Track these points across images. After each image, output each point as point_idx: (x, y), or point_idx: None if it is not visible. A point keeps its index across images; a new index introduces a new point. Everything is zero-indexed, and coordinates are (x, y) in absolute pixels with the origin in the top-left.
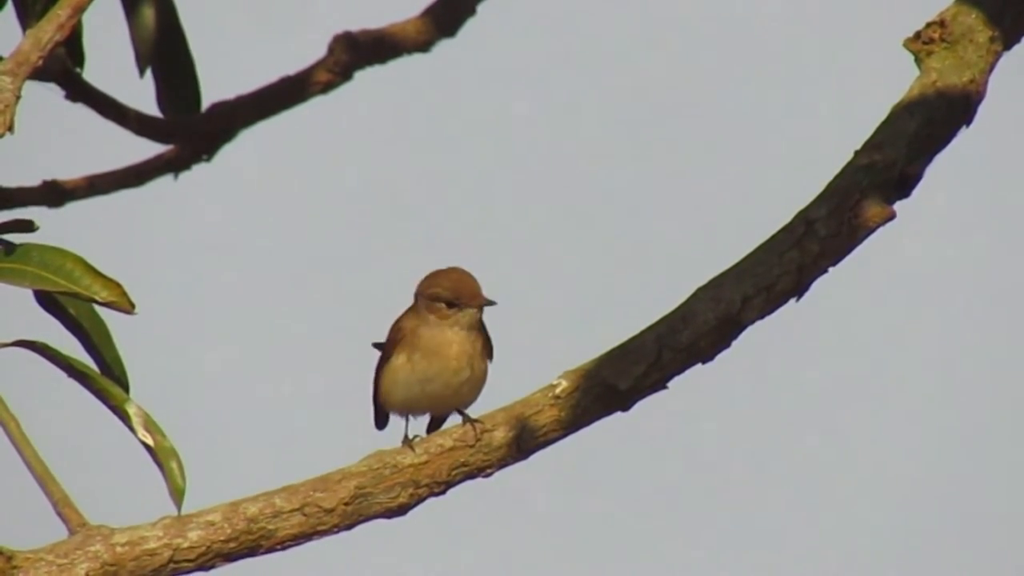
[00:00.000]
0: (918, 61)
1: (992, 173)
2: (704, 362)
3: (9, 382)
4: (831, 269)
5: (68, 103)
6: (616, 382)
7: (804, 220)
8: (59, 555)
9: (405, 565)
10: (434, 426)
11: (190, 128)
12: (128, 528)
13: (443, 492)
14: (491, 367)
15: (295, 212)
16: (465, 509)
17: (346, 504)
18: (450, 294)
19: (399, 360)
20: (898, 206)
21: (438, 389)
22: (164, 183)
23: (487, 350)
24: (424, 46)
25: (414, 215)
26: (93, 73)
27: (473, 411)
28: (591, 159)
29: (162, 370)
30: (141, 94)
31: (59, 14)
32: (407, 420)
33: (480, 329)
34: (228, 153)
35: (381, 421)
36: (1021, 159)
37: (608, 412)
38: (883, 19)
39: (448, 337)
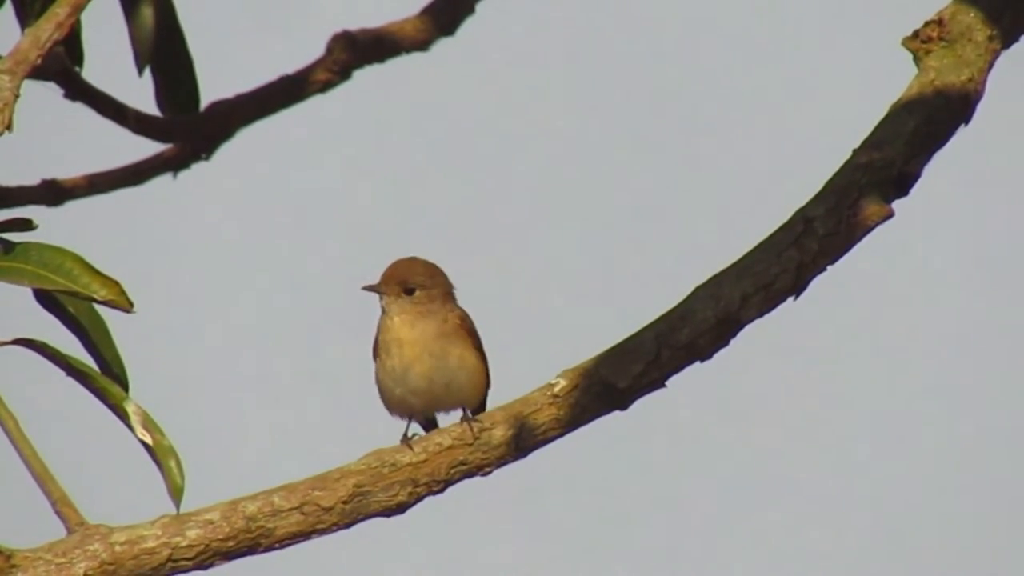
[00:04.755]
0: (917, 60)
1: (991, 172)
2: (703, 360)
3: (8, 381)
4: (829, 268)
5: (67, 102)
6: (615, 380)
7: (803, 218)
8: (58, 554)
9: (404, 564)
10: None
11: (189, 127)
12: (127, 527)
13: (442, 491)
14: (491, 366)
15: (294, 211)
16: (464, 508)
17: (345, 503)
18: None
19: (376, 366)
20: (896, 205)
21: (418, 383)
22: (163, 182)
23: (466, 339)
24: (423, 45)
25: (414, 214)
26: (92, 72)
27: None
28: (591, 158)
29: (161, 369)
30: (140, 93)
31: (58, 13)
32: (409, 420)
33: (434, 315)
34: (227, 152)
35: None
36: (1020, 158)
37: (607, 411)
38: (882, 18)
39: (390, 329)
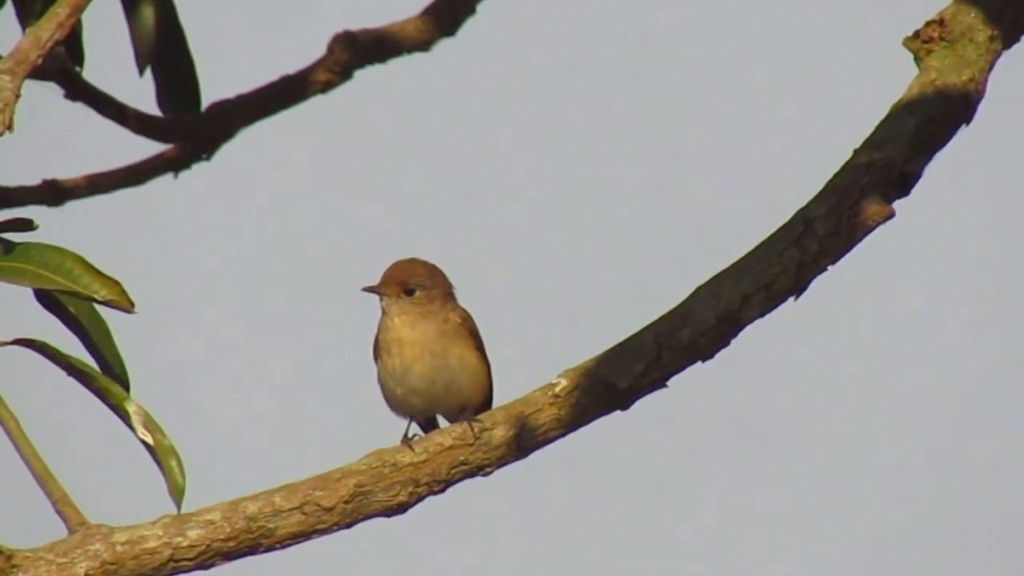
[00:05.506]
0: (917, 60)
1: (992, 172)
2: (704, 360)
3: (9, 381)
4: (830, 268)
5: (68, 102)
6: (615, 381)
7: (803, 219)
8: (59, 554)
9: (405, 564)
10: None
11: (190, 127)
12: (128, 527)
13: (442, 491)
14: (492, 366)
15: (295, 211)
16: (464, 508)
17: (346, 503)
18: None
19: (377, 367)
20: (897, 205)
21: (418, 383)
22: (164, 182)
23: (468, 339)
24: (424, 45)
25: (414, 214)
26: (93, 72)
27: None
28: (591, 158)
29: (162, 369)
30: (141, 93)
31: (58, 12)
32: (410, 420)
33: (435, 315)
34: (228, 152)
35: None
36: (1021, 158)
37: (607, 411)
38: (883, 18)
39: (391, 329)
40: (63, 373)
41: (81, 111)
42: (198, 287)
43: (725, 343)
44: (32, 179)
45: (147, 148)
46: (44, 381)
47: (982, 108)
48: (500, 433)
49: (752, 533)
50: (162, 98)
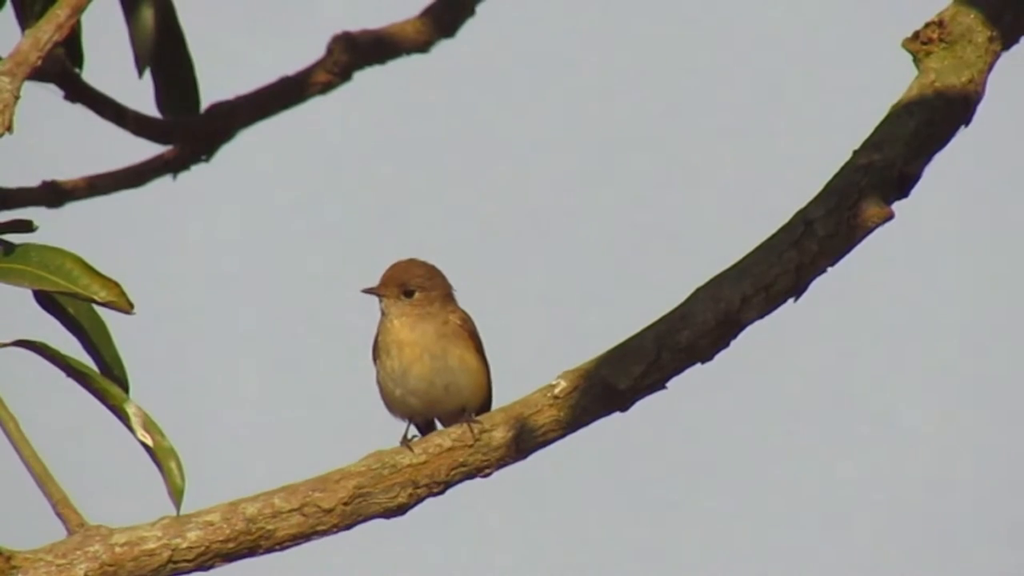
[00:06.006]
0: (917, 61)
1: (991, 173)
2: (703, 362)
3: (8, 382)
4: (830, 269)
5: (67, 103)
6: (615, 382)
7: (803, 220)
8: (58, 555)
9: (404, 565)
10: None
11: (189, 128)
12: (127, 528)
13: (442, 492)
14: (491, 367)
15: (294, 212)
16: (464, 509)
17: (345, 504)
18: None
19: (376, 368)
20: (897, 206)
21: (417, 384)
22: (163, 183)
23: (467, 340)
24: (423, 46)
25: (414, 215)
26: (92, 73)
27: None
28: (591, 159)
29: (161, 370)
30: (140, 95)
31: (58, 14)
32: (409, 422)
33: (434, 317)
34: (227, 153)
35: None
36: (1020, 159)
37: (607, 412)
38: (882, 19)
39: (390, 331)
40: (63, 374)
41: (80, 112)
42: (197, 288)
43: (725, 344)
44: (32, 180)
45: (146, 149)
46: (44, 382)
47: (981, 109)
48: (499, 434)
49: (752, 533)
50: (161, 99)
